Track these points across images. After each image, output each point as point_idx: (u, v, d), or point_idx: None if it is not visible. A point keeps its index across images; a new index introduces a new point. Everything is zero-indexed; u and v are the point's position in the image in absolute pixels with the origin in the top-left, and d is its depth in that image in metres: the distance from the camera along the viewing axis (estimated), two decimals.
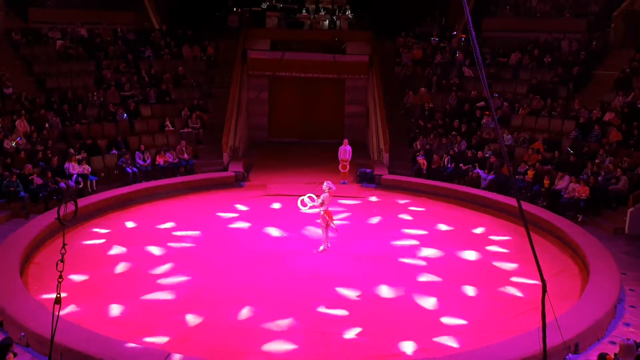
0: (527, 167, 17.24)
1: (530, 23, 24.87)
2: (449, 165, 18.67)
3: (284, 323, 9.58)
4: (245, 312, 9.90)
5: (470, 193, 16.85)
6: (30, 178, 15.28)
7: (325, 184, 12.41)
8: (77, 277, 10.99)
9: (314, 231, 13.49)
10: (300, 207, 13.37)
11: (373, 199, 17.17)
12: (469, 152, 18.73)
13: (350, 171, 18.73)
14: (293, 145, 23.92)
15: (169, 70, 22.76)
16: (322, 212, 12.22)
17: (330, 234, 12.58)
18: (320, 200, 12.26)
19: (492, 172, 17.59)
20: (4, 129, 16.83)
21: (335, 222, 12.54)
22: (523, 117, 20.06)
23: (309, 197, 13.16)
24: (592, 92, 20.24)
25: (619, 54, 21.21)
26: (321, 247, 12.46)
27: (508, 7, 25.89)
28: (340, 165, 18.50)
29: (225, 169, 19.04)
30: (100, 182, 17.18)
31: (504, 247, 13.33)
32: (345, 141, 18.74)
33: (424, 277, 11.56)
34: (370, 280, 11.27)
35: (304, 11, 26.52)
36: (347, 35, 24.99)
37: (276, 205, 16.14)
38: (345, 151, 18.44)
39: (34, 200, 15.15)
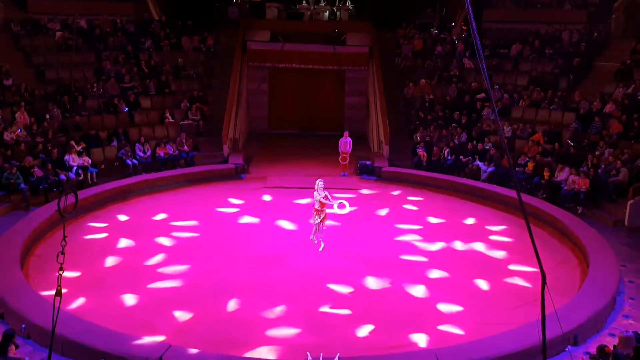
0: (527, 159, 17.23)
1: (530, 14, 24.76)
2: (449, 157, 18.66)
3: (284, 315, 9.62)
4: (245, 304, 9.92)
5: (470, 185, 16.86)
6: (31, 171, 15.27)
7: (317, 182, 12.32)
8: (77, 270, 11.01)
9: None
10: (339, 210, 12.64)
11: (373, 191, 17.16)
12: (469, 144, 18.71)
13: (350, 163, 18.72)
14: (293, 137, 23.92)
15: (169, 61, 22.70)
16: (318, 207, 12.17)
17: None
18: (320, 198, 12.15)
19: (492, 164, 17.58)
20: (4, 120, 16.81)
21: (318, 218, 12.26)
22: (523, 109, 20.02)
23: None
24: (593, 83, 20.18)
25: (620, 45, 21.14)
26: (321, 246, 12.37)
27: None
28: (340, 157, 18.49)
29: (226, 161, 19.03)
30: (100, 174, 17.17)
31: (503, 239, 13.34)
32: (346, 133, 18.75)
33: (424, 269, 11.58)
34: (370, 272, 11.28)
35: (304, 2, 26.42)
36: (347, 26, 24.92)
37: (276, 197, 16.14)
38: (345, 143, 18.45)
39: (34, 192, 15.14)
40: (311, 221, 12.37)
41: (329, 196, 12.14)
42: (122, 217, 14.27)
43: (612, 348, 7.12)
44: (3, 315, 9.22)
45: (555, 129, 18.48)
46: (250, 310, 9.75)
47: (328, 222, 12.85)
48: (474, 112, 20.49)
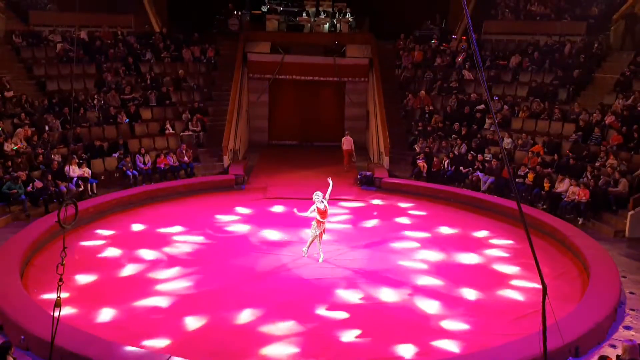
0: (528, 170, 17.24)
1: (530, 26, 24.89)
2: (449, 168, 18.68)
3: (284, 326, 9.58)
4: (245, 316, 9.89)
5: (470, 196, 16.86)
6: (32, 185, 15.25)
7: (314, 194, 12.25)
8: (77, 280, 10.99)
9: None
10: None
11: (373, 201, 17.15)
12: (469, 154, 18.74)
13: (351, 174, 18.76)
14: (293, 148, 24.01)
15: (169, 73, 22.80)
16: (315, 221, 12.11)
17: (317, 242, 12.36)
18: (311, 210, 12.14)
19: (492, 175, 17.58)
20: (4, 132, 16.83)
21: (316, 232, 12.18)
22: (523, 120, 20.07)
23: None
24: (592, 95, 20.26)
25: (619, 56, 21.23)
26: (321, 257, 12.28)
27: (508, 10, 25.92)
28: None
29: (226, 172, 19.05)
30: (100, 185, 17.18)
31: (504, 250, 13.32)
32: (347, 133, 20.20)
33: (424, 280, 11.55)
34: (370, 284, 11.26)
35: (304, 14, 26.56)
36: (347, 38, 25.04)
37: (276, 208, 16.14)
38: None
39: (35, 203, 15.15)
40: (310, 232, 12.33)
41: (326, 204, 12.10)
42: (122, 228, 14.24)
43: (613, 359, 7.09)
44: (2, 327, 9.18)
45: (555, 140, 18.52)
46: (251, 321, 9.70)
47: (327, 233, 12.84)
48: (473, 123, 20.54)
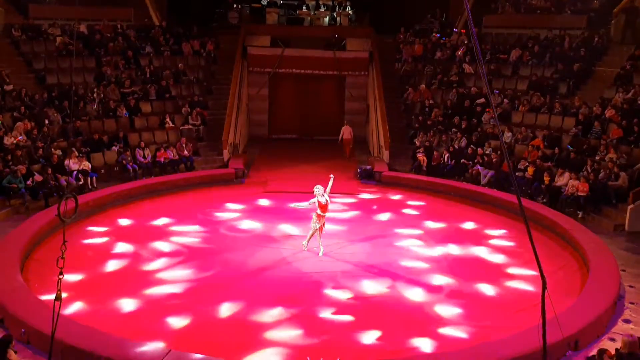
0: (527, 163, 17.24)
1: (530, 19, 24.86)
2: (449, 162, 18.68)
3: (284, 319, 9.59)
4: (245, 309, 9.90)
5: (470, 190, 16.86)
6: (31, 179, 15.25)
7: (315, 188, 12.23)
8: (77, 274, 10.99)
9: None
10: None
11: (373, 195, 17.16)
12: (469, 148, 18.73)
13: (350, 168, 18.73)
14: (293, 142, 23.99)
15: (169, 66, 22.77)
16: (315, 215, 12.11)
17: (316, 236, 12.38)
18: (311, 202, 12.14)
19: (492, 169, 17.58)
20: (4, 125, 16.82)
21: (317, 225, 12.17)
22: (523, 114, 20.06)
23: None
24: (592, 88, 20.24)
25: (619, 50, 21.20)
26: (321, 251, 12.31)
27: (508, 3, 25.87)
28: None
29: (226, 166, 19.06)
30: (100, 179, 17.18)
31: (504, 244, 13.32)
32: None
33: (424, 273, 11.56)
34: (371, 277, 11.27)
35: (304, 7, 26.53)
36: (347, 31, 25.00)
37: (277, 203, 16.13)
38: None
39: (34, 197, 15.15)
40: (311, 225, 12.32)
41: (327, 198, 12.09)
42: (122, 222, 14.25)
43: (613, 352, 7.11)
44: (3, 320, 9.20)
45: (555, 133, 18.51)
46: (250, 316, 9.72)
47: (328, 227, 12.86)
48: (474, 117, 20.53)
